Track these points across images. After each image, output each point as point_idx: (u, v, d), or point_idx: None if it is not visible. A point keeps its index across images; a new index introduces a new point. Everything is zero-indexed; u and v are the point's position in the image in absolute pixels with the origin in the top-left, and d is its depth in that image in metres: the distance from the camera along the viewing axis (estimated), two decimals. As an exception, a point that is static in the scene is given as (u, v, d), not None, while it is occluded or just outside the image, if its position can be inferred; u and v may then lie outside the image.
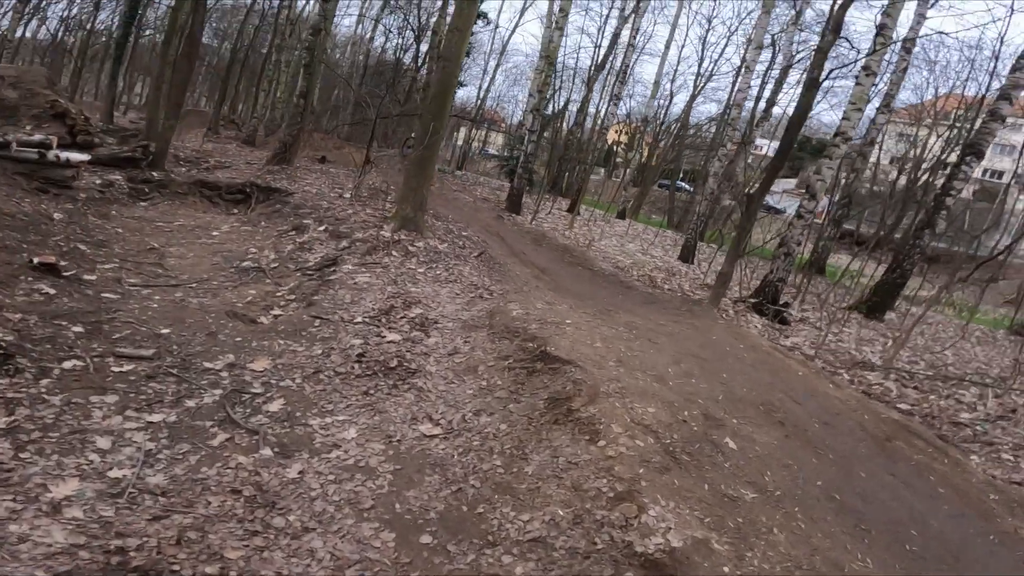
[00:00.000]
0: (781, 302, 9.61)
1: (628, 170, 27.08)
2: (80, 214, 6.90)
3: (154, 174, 8.82)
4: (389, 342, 4.52)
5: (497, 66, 31.37)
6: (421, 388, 3.92)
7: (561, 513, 2.53)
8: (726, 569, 2.19)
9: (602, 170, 31.57)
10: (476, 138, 41.85)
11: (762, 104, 19.46)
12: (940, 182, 14.29)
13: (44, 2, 19.04)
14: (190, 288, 5.70)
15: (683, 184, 32.55)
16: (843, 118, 10.11)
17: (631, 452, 2.77)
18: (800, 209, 10.01)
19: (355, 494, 2.79)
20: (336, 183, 10.87)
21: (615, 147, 33.57)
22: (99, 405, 3.40)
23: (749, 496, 2.68)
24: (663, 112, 27.37)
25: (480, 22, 23.34)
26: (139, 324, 4.46)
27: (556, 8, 17.33)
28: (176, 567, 2.12)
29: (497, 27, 46.53)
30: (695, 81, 26.59)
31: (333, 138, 19.86)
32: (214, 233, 7.81)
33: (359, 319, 4.92)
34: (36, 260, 4.84)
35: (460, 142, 37.28)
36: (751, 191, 12.56)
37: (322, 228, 7.25)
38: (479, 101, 32.32)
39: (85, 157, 7.19)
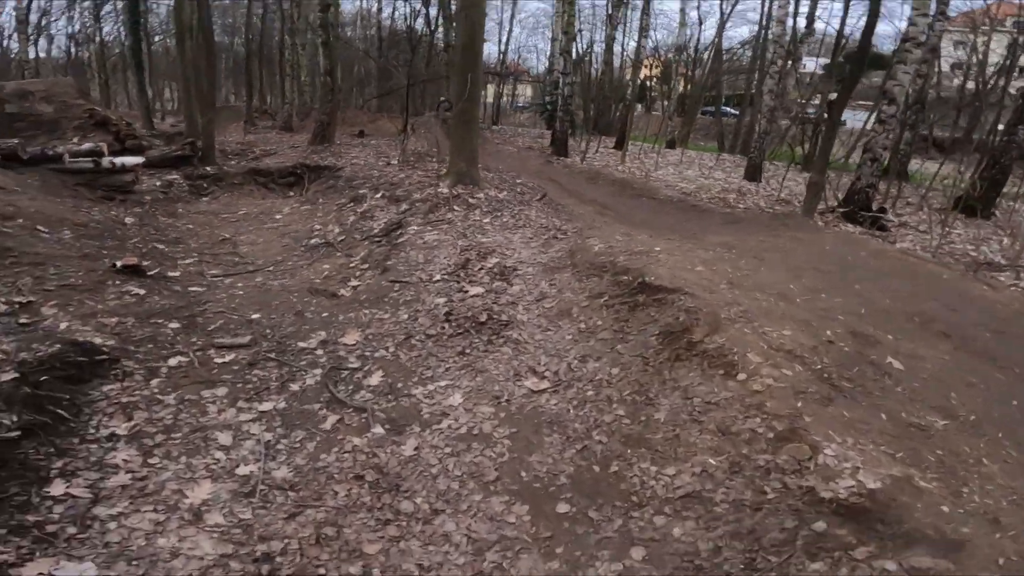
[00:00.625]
0: (876, 208, 8.65)
1: (667, 102, 25.26)
2: (150, 215, 6.91)
3: (208, 169, 8.76)
4: (473, 296, 4.22)
5: (512, 16, 29.57)
6: (517, 340, 3.61)
7: (713, 462, 2.17)
8: (945, 508, 1.78)
9: (639, 106, 29.76)
10: (504, 92, 40.45)
11: (801, 20, 17.47)
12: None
13: (44, 21, 19.09)
14: (268, 272, 5.59)
15: (727, 109, 30.52)
16: (910, 23, 8.88)
17: (781, 383, 2.35)
18: (881, 114, 8.95)
19: (476, 466, 2.53)
20: (380, 153, 10.54)
21: (648, 81, 31.48)
22: (211, 399, 3.31)
23: (939, 423, 2.22)
24: (695, 40, 25.02)
25: None
26: (230, 313, 4.35)
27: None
28: (322, 570, 1.94)
29: None
30: (720, 5, 24.14)
31: (365, 112, 19.51)
32: (277, 217, 7.70)
33: (437, 277, 4.63)
34: (120, 264, 4.80)
35: (490, 99, 36.08)
36: (831, 100, 11.29)
37: (379, 195, 6.96)
38: (501, 55, 30.84)
39: (140, 160, 7.15)
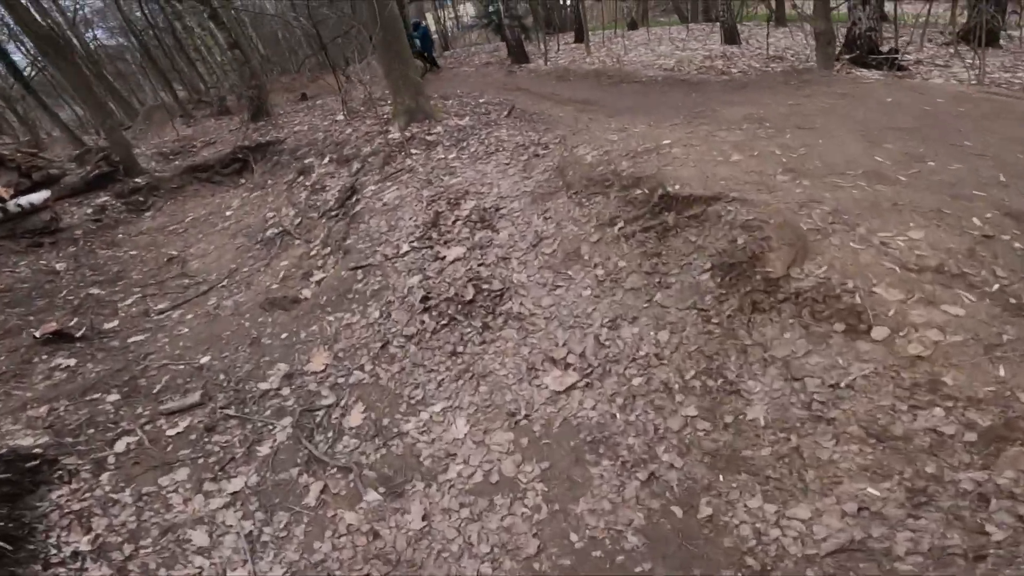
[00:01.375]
0: (886, 49, 7.16)
1: None
2: (86, 253, 5.90)
3: (138, 180, 7.56)
4: (453, 262, 3.25)
5: None
6: (520, 315, 2.68)
7: (875, 492, 1.27)
8: None
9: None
10: (446, 16, 36.36)
11: None
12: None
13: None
14: (221, 288, 4.65)
15: None
16: None
17: (955, 335, 1.39)
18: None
19: (508, 533, 1.70)
20: (327, 112, 9.12)
21: None
22: (172, 487, 2.60)
23: None
24: None
25: None
26: (175, 362, 3.48)
27: None
28: None
29: None
30: None
31: (303, 75, 17.62)
32: (228, 213, 6.62)
33: (405, 248, 3.64)
34: (39, 334, 3.90)
35: (433, 26, 32.47)
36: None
37: (326, 160, 5.81)
38: None
39: (45, 194, 6.02)
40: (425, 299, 3.01)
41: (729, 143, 2.91)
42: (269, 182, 6.80)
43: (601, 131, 4.31)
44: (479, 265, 3.16)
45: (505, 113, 5.63)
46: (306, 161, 6.34)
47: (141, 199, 7.49)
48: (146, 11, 15.74)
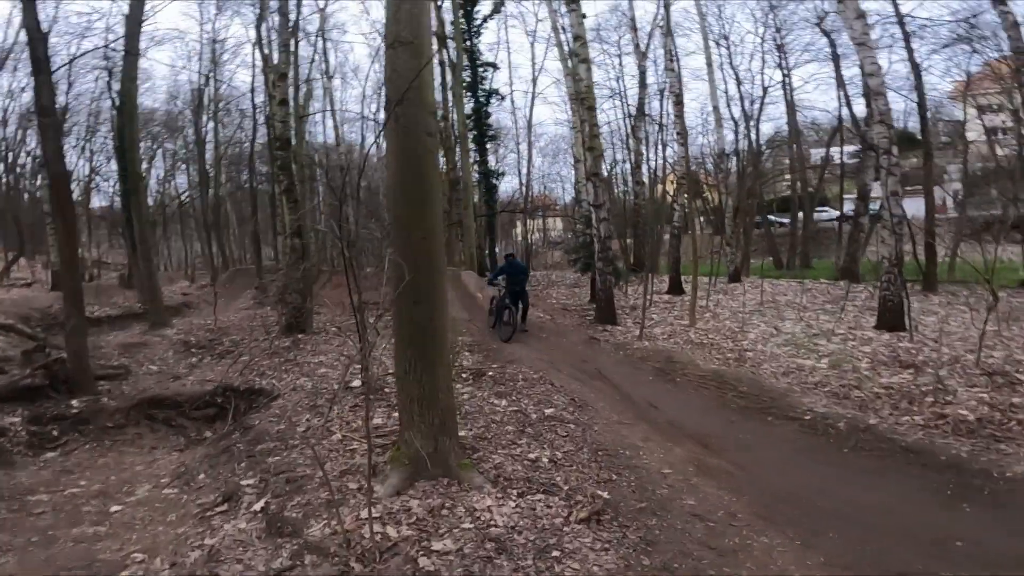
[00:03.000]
0: None
1: (701, 219, 21.87)
2: None
3: (73, 404, 5.45)
4: None
5: (529, 144, 27.72)
6: None
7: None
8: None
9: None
10: (533, 229, 37.85)
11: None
12: None
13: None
14: None
15: (773, 217, 26.79)
16: None
17: None
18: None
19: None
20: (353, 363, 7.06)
21: (675, 199, 28.37)
22: None
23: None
24: (743, 137, 21.98)
25: (494, 100, 19.25)
26: None
27: (568, 38, 13.84)
28: None
29: (513, 102, 42.50)
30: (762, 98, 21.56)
31: (377, 279, 16.70)
32: (114, 509, 4.04)
33: None
34: None
35: (519, 238, 33.51)
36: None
37: (259, 506, 3.23)
38: (524, 188, 28.63)
39: None
40: None
41: None
42: (202, 477, 4.29)
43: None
44: None
45: (586, 508, 2.92)
46: (243, 482, 3.78)
47: (55, 432, 5.25)
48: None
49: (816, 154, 26.63)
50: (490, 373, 5.82)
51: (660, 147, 26.03)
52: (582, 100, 10.84)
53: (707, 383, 5.77)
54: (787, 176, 24.96)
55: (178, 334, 10.35)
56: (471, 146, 18.96)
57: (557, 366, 6.24)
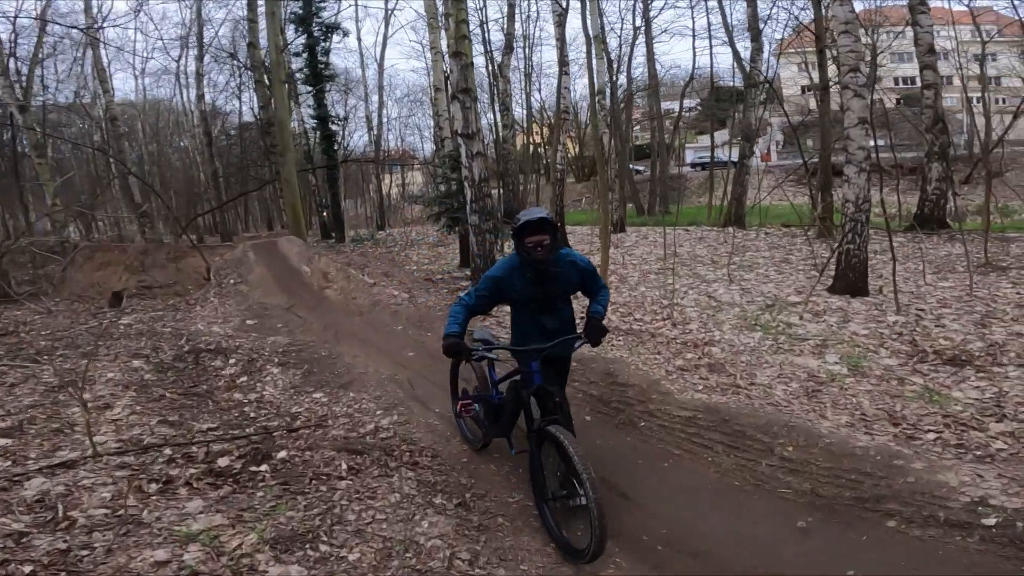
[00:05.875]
0: None
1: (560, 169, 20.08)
2: None
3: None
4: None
5: (380, 88, 23.46)
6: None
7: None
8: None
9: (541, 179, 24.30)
10: (391, 184, 32.86)
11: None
12: None
13: None
14: None
15: (634, 166, 26.46)
16: None
17: None
18: None
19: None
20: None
21: (537, 148, 26.15)
22: None
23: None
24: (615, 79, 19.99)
25: (335, 36, 15.83)
26: None
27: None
28: None
29: (361, 49, 36.63)
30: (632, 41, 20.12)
31: (170, 244, 12.15)
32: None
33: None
34: None
35: (371, 193, 28.51)
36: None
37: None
38: (374, 133, 24.54)
39: None
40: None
41: None
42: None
43: None
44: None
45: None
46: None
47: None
48: None
49: (668, 106, 26.54)
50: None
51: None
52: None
53: (700, 434, 3.02)
54: (650, 123, 24.17)
55: None
56: (303, 89, 16.14)
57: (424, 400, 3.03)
